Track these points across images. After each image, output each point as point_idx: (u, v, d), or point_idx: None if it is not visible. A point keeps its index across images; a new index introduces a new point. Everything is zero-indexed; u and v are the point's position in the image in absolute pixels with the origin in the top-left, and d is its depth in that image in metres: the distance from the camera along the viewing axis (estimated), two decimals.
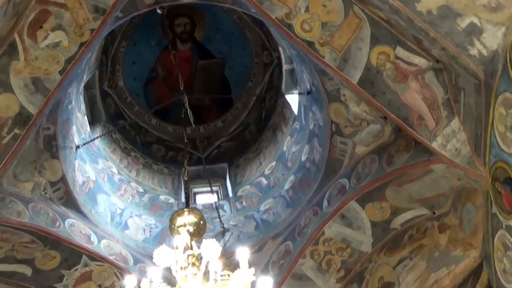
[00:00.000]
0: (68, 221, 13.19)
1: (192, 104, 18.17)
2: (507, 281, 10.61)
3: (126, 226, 14.64)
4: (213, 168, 17.81)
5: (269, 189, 15.58)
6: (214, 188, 17.51)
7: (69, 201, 13.51)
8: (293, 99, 16.39)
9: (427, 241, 12.64)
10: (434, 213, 12.43)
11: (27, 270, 12.86)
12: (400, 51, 11.53)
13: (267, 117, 17.83)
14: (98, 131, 15.99)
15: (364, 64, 11.91)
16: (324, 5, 11.81)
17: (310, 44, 12.10)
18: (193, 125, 13.98)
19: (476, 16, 9.56)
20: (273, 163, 16.14)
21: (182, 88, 14.17)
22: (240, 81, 18.77)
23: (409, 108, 11.74)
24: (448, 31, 10.08)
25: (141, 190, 16.11)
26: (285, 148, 16.02)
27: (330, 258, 13.33)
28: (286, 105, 16.72)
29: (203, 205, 16.59)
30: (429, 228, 12.60)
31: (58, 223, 12.92)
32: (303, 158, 14.84)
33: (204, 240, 6.69)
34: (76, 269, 13.14)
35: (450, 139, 11.27)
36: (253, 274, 5.89)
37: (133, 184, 16.11)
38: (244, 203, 16.00)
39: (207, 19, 18.73)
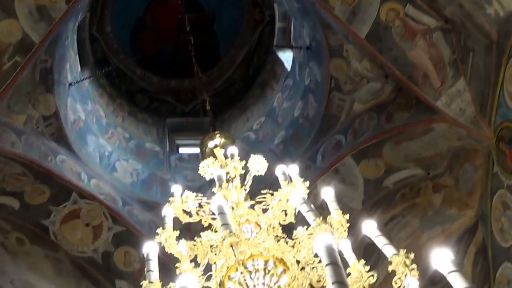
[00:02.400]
0: (60, 157, 12.97)
1: (179, 56, 18.09)
2: (504, 240, 10.83)
3: (114, 169, 14.49)
4: (197, 122, 17.68)
5: (258, 144, 15.52)
6: (197, 142, 17.37)
7: (60, 138, 13.26)
8: (285, 57, 16.35)
9: (420, 200, 12.78)
10: (428, 173, 12.57)
11: (15, 203, 12.56)
12: (410, 9, 11.62)
13: (255, 75, 17.73)
14: (86, 75, 15.68)
15: (373, 19, 11.96)
16: None
17: None
18: (195, 68, 13.67)
19: None
20: (262, 119, 16.09)
21: (188, 29, 13.92)
22: (228, 37, 18.62)
23: (415, 66, 11.86)
24: None
25: (127, 135, 15.93)
26: (275, 104, 15.98)
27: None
28: (278, 62, 16.66)
29: (188, 155, 16.51)
30: (422, 188, 12.73)
31: (50, 157, 12.69)
32: (296, 114, 14.84)
33: (251, 155, 6.62)
34: (65, 206, 12.89)
35: (454, 99, 11.43)
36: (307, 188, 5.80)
37: (119, 129, 15.92)
38: None
39: None
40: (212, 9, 18.78)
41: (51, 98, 12.97)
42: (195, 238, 5.63)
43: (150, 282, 4.89)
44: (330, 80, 13.50)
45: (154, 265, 5.19)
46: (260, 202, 6.20)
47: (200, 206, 6.27)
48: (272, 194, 6.07)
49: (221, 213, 5.14)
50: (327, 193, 5.48)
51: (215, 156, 7.54)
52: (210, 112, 10.44)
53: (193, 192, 12.56)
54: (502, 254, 10.89)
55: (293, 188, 5.44)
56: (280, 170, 5.94)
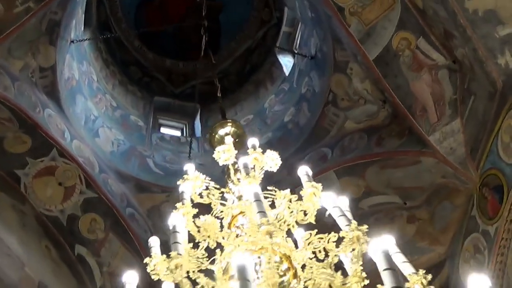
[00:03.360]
0: (47, 111, 12.81)
1: (179, 38, 18.10)
2: None
3: (97, 134, 14.38)
4: (184, 106, 17.72)
5: None
6: (180, 125, 17.48)
7: (52, 92, 13.10)
8: (285, 61, 16.46)
9: (393, 228, 12.89)
10: (405, 203, 12.73)
11: None
12: (422, 42, 11.81)
13: (251, 72, 17.79)
14: (87, 35, 15.57)
15: (385, 44, 12.14)
16: None
17: (341, 9, 12.21)
18: (202, 54, 13.69)
19: None
20: (250, 116, 16.14)
21: (204, 14, 13.88)
22: (232, 30, 18.61)
23: (415, 97, 12.06)
24: (485, 34, 10.41)
25: (114, 104, 15.85)
26: (266, 105, 16.06)
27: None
28: (277, 65, 16.78)
29: (170, 137, 16.51)
30: (397, 216, 12.87)
31: (38, 109, 12.54)
32: (286, 119, 14.92)
33: (268, 150, 6.66)
34: (42, 161, 12.68)
35: (447, 137, 11.64)
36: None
37: (108, 96, 15.83)
38: None
39: None
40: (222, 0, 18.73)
41: (53, 51, 12.86)
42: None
43: (179, 254, 4.87)
44: (328, 94, 13.61)
45: (180, 237, 5.16)
46: (265, 197, 6.23)
47: (207, 188, 6.31)
48: (275, 191, 6.09)
49: (257, 200, 5.18)
50: (342, 202, 5.51)
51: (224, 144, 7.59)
52: (220, 99, 10.43)
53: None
54: None
55: (316, 189, 5.47)
56: (303, 170, 5.93)
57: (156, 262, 5.52)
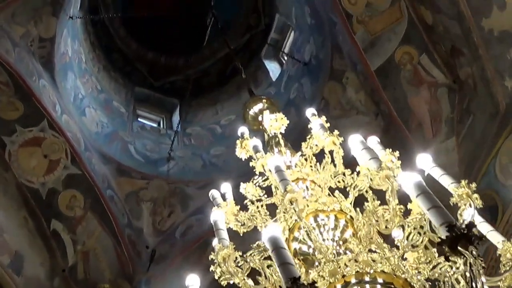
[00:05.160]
0: (42, 82, 12.67)
1: (166, 32, 18.04)
2: None
3: (83, 113, 14.22)
4: (163, 99, 17.67)
5: (224, 138, 15.52)
6: (158, 118, 17.43)
7: (48, 64, 12.99)
8: (272, 67, 16.59)
9: None
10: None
11: None
12: (425, 59, 12.03)
13: (233, 73, 17.74)
14: (80, 15, 15.38)
15: (388, 56, 12.33)
16: None
17: (349, 16, 12.41)
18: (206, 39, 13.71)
19: None
20: (232, 117, 16.12)
21: (212, 4, 13.93)
22: (217, 31, 18.56)
23: (412, 112, 12.22)
24: (497, 55, 10.61)
25: (99, 87, 15.69)
26: None
27: None
28: (262, 69, 16.87)
29: (151, 127, 16.46)
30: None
31: (34, 78, 12.38)
32: None
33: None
34: (31, 130, 12.46)
35: (441, 156, 11.77)
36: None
37: (94, 78, 15.66)
38: (192, 140, 15.95)
39: None
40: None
41: (54, 22, 12.78)
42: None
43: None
44: (320, 101, 13.72)
45: (287, 175, 5.21)
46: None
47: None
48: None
49: (366, 148, 5.26)
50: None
51: (258, 122, 7.59)
52: (246, 79, 10.62)
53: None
54: None
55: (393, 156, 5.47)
56: (373, 140, 5.90)
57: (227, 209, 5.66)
